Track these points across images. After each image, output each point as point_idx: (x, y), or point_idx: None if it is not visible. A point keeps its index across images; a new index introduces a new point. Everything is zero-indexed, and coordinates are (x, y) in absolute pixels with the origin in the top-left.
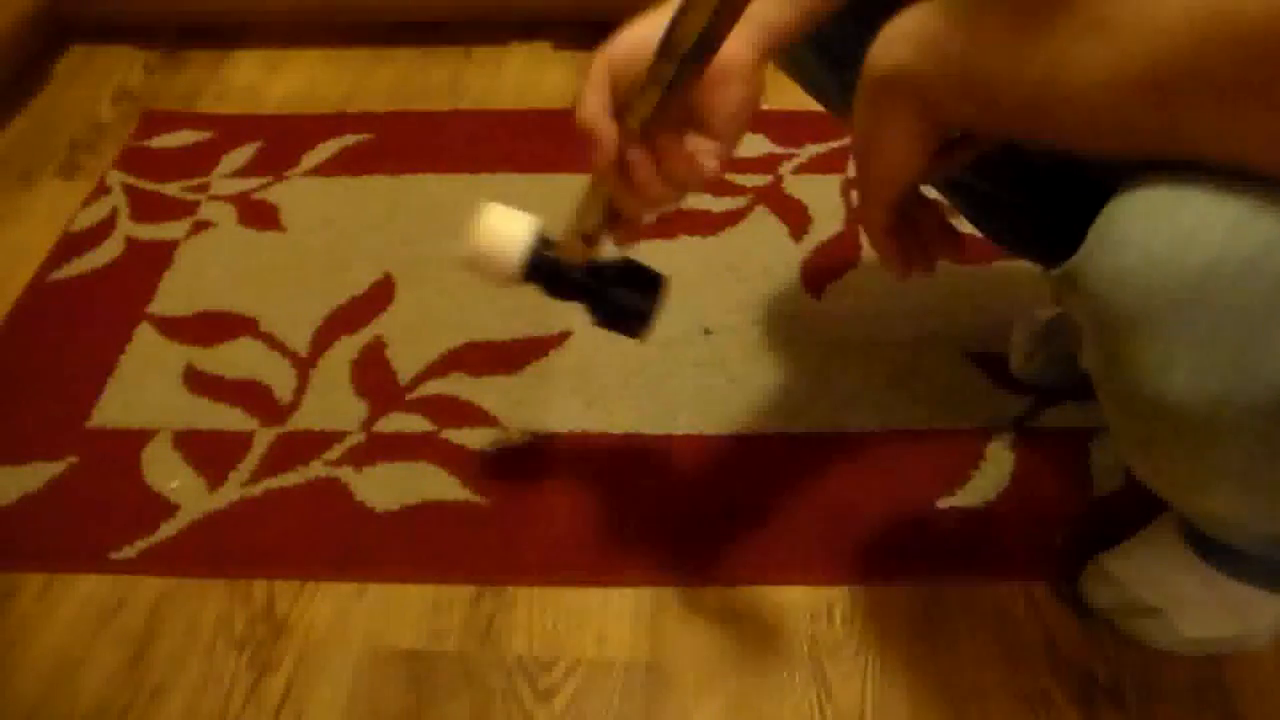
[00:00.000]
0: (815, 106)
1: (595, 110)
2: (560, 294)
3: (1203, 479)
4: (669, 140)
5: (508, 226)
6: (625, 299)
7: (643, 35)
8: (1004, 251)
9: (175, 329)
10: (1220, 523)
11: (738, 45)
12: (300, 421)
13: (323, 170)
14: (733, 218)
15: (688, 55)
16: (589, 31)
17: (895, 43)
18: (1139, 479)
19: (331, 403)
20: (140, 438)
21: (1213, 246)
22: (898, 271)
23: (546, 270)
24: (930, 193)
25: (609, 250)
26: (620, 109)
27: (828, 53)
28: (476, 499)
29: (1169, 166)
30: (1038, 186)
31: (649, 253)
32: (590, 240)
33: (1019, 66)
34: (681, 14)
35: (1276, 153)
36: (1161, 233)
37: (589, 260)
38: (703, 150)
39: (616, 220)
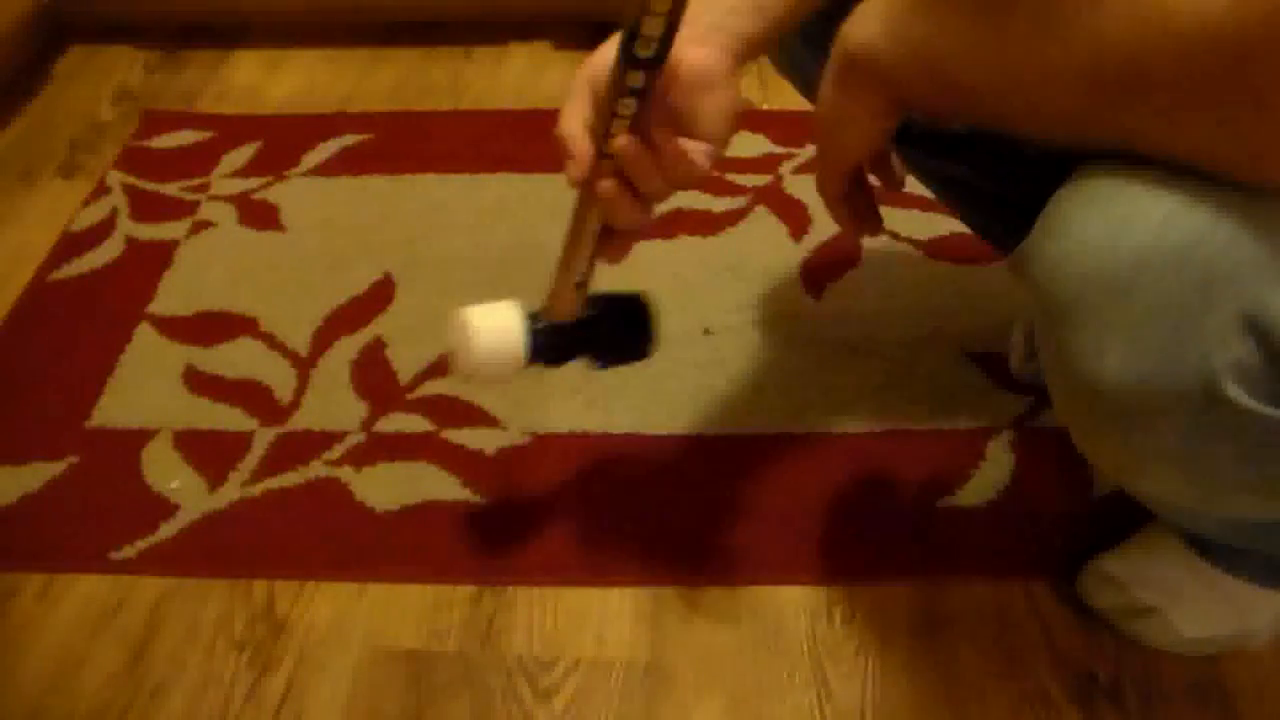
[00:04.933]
0: None
1: (573, 124)
2: (561, 360)
3: (1139, 461)
4: (665, 136)
5: (496, 321)
6: (628, 333)
7: None
8: (983, 243)
9: (175, 329)
10: (1172, 508)
11: (717, 54)
12: (300, 421)
13: (323, 170)
14: (733, 218)
15: (652, 60)
16: (589, 31)
17: (864, 21)
18: (1088, 460)
19: (331, 403)
20: (140, 438)
21: (1146, 235)
22: (849, 234)
23: (547, 344)
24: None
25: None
26: (599, 123)
27: (822, 49)
28: (476, 499)
29: (1120, 158)
30: (1020, 178)
31: (649, 253)
32: (583, 285)
33: (975, 54)
34: (641, 22)
35: (1204, 149)
36: (1098, 221)
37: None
38: (695, 149)
39: (608, 239)
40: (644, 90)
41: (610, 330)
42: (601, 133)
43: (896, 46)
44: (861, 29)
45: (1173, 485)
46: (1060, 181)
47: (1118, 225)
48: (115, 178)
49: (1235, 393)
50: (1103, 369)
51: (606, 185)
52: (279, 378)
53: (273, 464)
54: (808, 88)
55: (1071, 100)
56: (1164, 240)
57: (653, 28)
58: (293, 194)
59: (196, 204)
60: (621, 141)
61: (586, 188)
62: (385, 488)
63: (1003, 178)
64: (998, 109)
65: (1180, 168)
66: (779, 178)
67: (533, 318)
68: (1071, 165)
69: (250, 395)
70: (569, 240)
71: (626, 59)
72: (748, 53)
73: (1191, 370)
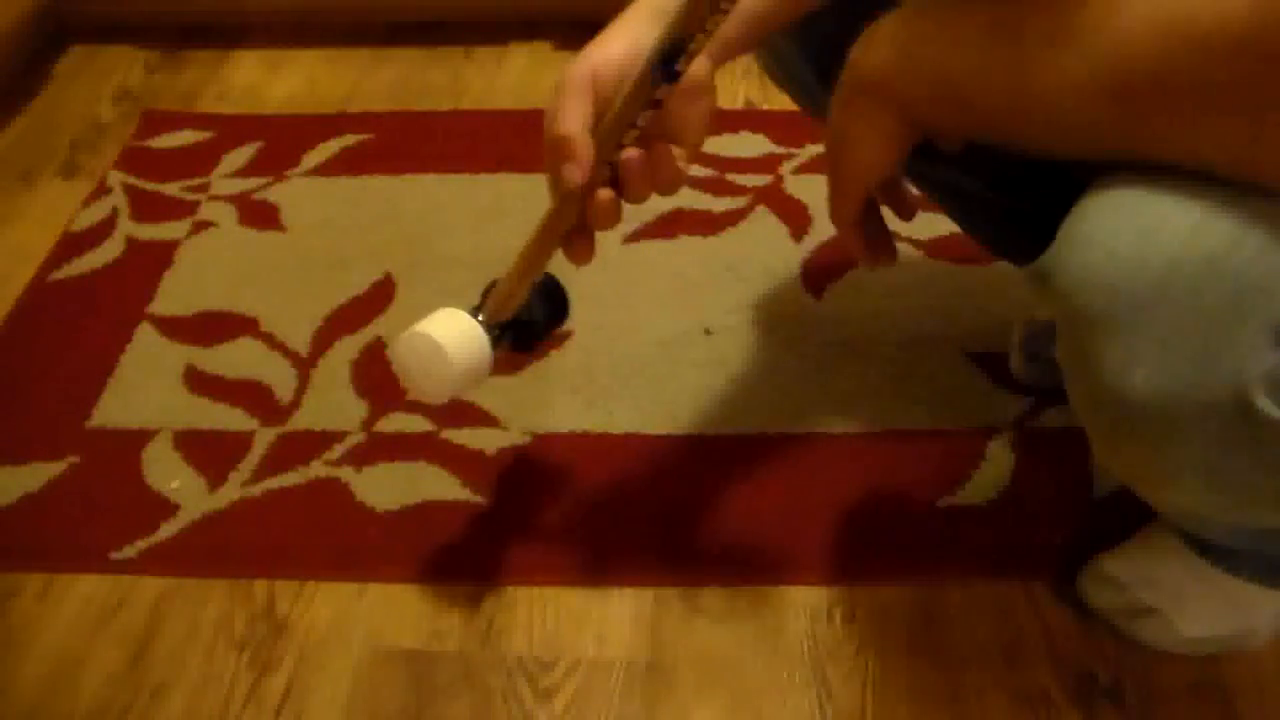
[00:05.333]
0: None
1: (575, 125)
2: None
3: (1165, 472)
4: (661, 147)
5: (464, 336)
6: (553, 314)
7: (626, 49)
8: (987, 252)
9: (175, 329)
10: (1188, 515)
11: (703, 61)
12: (300, 421)
13: (323, 170)
14: (733, 218)
15: (676, 75)
16: (589, 31)
17: (874, 44)
18: (1108, 470)
19: (332, 403)
20: (140, 438)
21: (1174, 246)
22: (864, 262)
23: (501, 344)
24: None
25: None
26: (598, 123)
27: (820, 64)
28: (476, 499)
29: (1140, 167)
30: (1026, 187)
31: (650, 253)
32: (535, 284)
33: (990, 71)
34: (694, 39)
35: (1231, 156)
36: (1125, 232)
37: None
38: (679, 156)
39: (576, 241)
40: (660, 102)
41: (543, 316)
42: (613, 140)
43: (908, 68)
44: (872, 53)
45: (1196, 495)
46: (1065, 190)
47: (1145, 236)
48: (115, 178)
49: (1265, 404)
50: (1131, 381)
51: (607, 194)
52: (279, 378)
53: (273, 464)
54: (805, 99)
55: (1093, 113)
56: (1193, 251)
57: (700, 44)
58: (293, 194)
59: (197, 204)
60: (631, 153)
61: (576, 192)
62: (385, 488)
63: (1006, 186)
64: (1015, 126)
65: (1204, 176)
66: (779, 178)
67: (476, 311)
68: (1075, 174)
69: (250, 395)
70: (538, 243)
71: (665, 74)
72: (726, 57)
73: (1222, 382)
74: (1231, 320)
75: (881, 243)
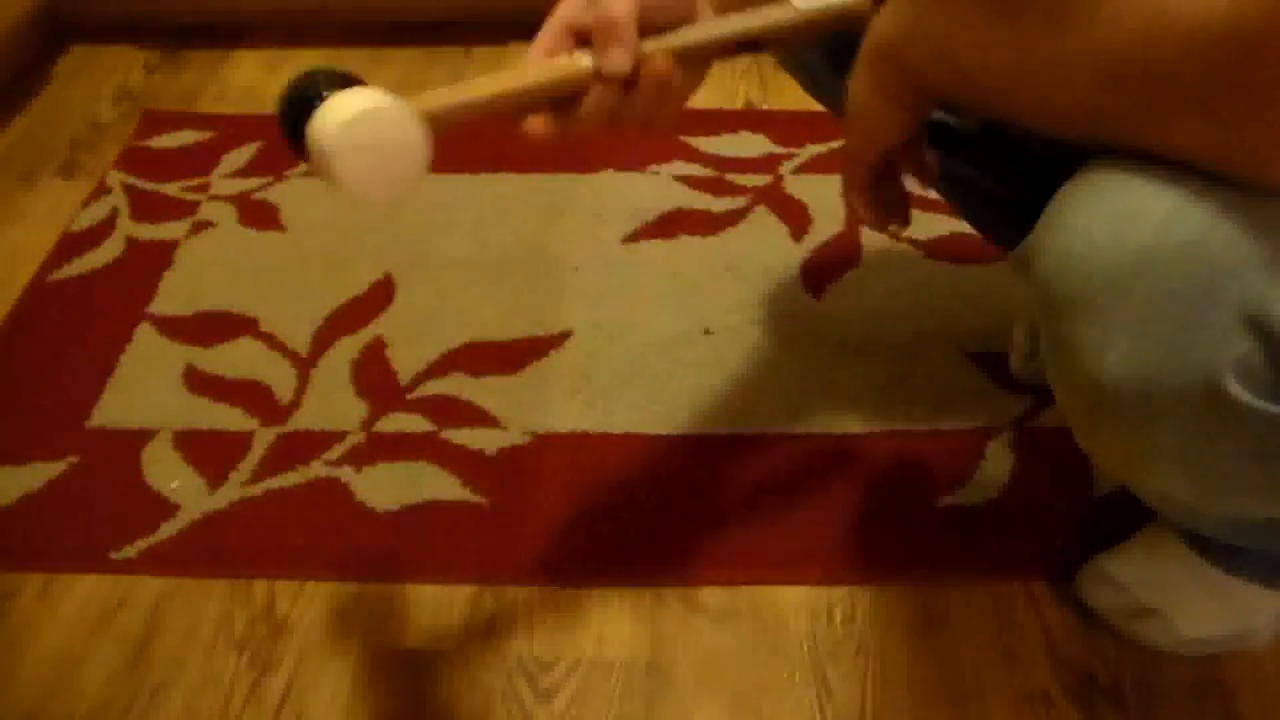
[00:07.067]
0: (815, 106)
1: (627, 10)
2: None
3: (1141, 458)
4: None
5: (385, 94)
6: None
7: None
8: (992, 245)
9: (175, 329)
10: (1175, 506)
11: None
12: (300, 421)
13: None
14: (733, 218)
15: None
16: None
17: (890, 16)
18: (1089, 457)
19: (331, 403)
20: (140, 438)
21: (1150, 232)
22: (872, 225)
23: None
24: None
25: None
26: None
27: (834, 55)
28: (476, 499)
29: (1124, 155)
30: (1028, 179)
31: (650, 253)
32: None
33: (991, 47)
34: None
35: (1211, 149)
36: (1103, 217)
37: None
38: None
39: (550, 115)
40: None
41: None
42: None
43: (918, 39)
44: (888, 23)
45: (1174, 483)
46: (1064, 182)
47: (1122, 222)
48: (115, 178)
49: (1237, 390)
50: (1105, 366)
51: (610, 96)
52: (279, 378)
53: (273, 464)
54: (814, 86)
55: (1083, 95)
56: (1167, 238)
57: None
58: (293, 194)
59: (196, 204)
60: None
61: (615, 80)
62: (385, 488)
63: (1007, 177)
64: (1012, 103)
65: (1185, 165)
66: (779, 178)
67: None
68: (1076, 166)
69: (250, 395)
70: (517, 87)
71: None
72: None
73: (1194, 367)
74: (1204, 306)
75: (897, 207)
